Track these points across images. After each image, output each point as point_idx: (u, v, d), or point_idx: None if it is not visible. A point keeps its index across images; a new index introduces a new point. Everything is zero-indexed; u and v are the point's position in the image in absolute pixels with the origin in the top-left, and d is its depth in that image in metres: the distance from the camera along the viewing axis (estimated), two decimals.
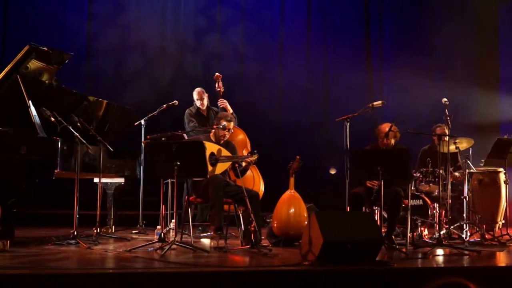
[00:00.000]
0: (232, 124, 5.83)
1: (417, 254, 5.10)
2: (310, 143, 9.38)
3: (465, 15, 9.69)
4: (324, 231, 4.35)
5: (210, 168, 5.40)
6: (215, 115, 6.94)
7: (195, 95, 6.93)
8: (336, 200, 6.65)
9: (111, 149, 5.66)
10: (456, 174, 6.38)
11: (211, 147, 5.51)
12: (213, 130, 5.83)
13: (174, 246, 5.00)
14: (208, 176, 5.27)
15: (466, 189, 6.26)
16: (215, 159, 5.51)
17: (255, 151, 5.73)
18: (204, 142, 5.27)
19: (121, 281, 3.88)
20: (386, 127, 5.79)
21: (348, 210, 5.68)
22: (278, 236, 5.69)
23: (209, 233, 6.06)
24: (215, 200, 5.43)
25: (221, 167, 5.57)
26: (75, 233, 5.34)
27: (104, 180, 6.29)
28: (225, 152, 5.62)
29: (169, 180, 6.20)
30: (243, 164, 5.73)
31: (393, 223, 5.62)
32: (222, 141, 5.81)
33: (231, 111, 6.84)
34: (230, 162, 5.60)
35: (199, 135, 6.04)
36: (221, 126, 5.75)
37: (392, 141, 5.79)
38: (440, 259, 5.04)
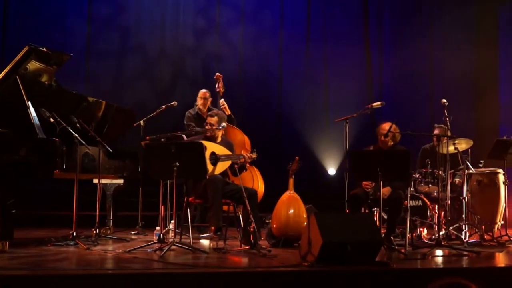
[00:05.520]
0: (214, 119, 5.76)
1: (416, 255, 5.10)
2: (310, 144, 9.39)
3: (464, 20, 9.67)
4: (324, 232, 4.35)
5: (211, 167, 5.40)
6: None
7: (199, 94, 6.90)
8: (336, 201, 6.66)
9: (110, 150, 5.66)
10: (456, 180, 6.38)
11: (211, 147, 5.51)
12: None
13: (173, 247, 4.99)
14: (208, 176, 5.27)
15: (465, 190, 6.26)
16: (216, 158, 5.50)
17: (254, 150, 5.73)
18: (203, 142, 5.26)
19: (120, 282, 3.88)
20: (387, 126, 5.79)
21: (347, 211, 5.69)
22: (277, 237, 5.68)
23: (208, 234, 6.06)
24: (214, 201, 5.41)
25: (221, 167, 5.57)
26: (74, 234, 5.34)
27: (103, 181, 6.29)
28: (223, 151, 5.62)
29: (168, 181, 6.19)
30: (241, 160, 5.69)
31: (393, 226, 5.62)
32: (218, 140, 5.79)
33: (229, 112, 6.83)
34: (230, 161, 5.59)
35: (198, 135, 6.04)
36: (221, 127, 5.77)
37: (390, 142, 5.78)
38: (439, 259, 5.04)
